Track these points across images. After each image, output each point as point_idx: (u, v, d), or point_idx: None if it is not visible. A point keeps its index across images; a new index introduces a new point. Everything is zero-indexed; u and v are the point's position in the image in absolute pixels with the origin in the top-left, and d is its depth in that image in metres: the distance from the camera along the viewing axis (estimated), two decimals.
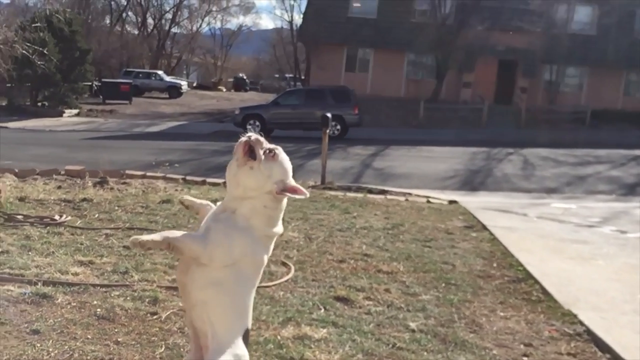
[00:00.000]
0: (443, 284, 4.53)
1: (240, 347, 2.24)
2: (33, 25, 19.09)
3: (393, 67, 31.10)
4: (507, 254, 5.61)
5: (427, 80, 30.98)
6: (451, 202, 8.86)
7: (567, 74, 31.38)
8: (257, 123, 21.00)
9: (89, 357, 2.90)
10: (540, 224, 7.55)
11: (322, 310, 3.75)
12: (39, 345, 2.97)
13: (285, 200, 2.31)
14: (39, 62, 14.50)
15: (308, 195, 2.32)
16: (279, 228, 2.39)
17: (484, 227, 6.85)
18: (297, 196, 2.30)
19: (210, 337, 2.23)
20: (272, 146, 2.26)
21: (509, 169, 14.03)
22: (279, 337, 3.24)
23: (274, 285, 4.18)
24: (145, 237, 2.21)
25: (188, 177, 9.40)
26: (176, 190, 8.31)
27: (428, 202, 8.76)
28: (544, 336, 3.66)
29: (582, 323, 3.86)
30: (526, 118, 25.34)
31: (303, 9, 39.36)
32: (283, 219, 6.11)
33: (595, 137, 21.21)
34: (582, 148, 18.03)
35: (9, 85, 25.85)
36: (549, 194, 10.73)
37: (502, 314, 3.99)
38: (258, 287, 4.08)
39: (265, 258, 2.38)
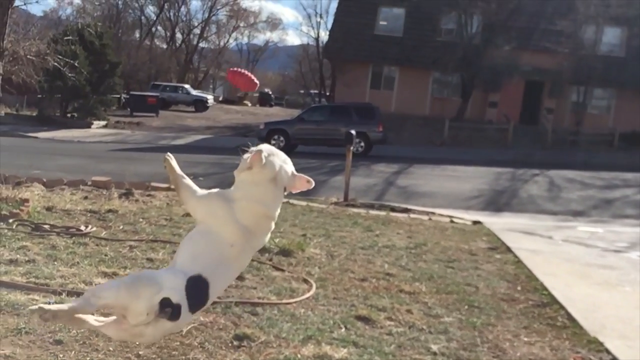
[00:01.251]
0: (466, 306, 4.46)
1: (162, 277, 2.23)
2: (65, 38, 19.54)
3: (418, 85, 31.10)
4: (531, 278, 5.52)
5: (452, 99, 30.91)
6: (475, 222, 8.76)
7: (595, 95, 31.02)
8: (282, 138, 21.11)
9: None
10: (566, 248, 7.42)
11: (343, 329, 3.73)
12: (61, 355, 2.99)
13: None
14: (69, 74, 14.76)
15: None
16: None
17: (508, 249, 6.76)
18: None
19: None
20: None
21: (535, 190, 13.86)
22: (299, 356, 3.22)
23: (295, 302, 4.17)
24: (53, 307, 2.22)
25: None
26: None
27: (452, 221, 8.68)
28: None
29: (608, 351, 3.77)
30: (552, 139, 25.07)
31: (329, 26, 39.61)
32: (305, 236, 6.14)
33: (623, 160, 20.85)
34: (610, 171, 17.74)
35: (40, 96, 26.44)
36: (575, 217, 10.56)
37: (526, 339, 3.91)
38: (279, 303, 4.09)
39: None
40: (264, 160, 2.34)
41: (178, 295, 2.16)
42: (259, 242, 2.52)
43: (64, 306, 2.24)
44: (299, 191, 2.57)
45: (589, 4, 28.94)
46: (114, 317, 2.34)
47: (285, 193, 2.49)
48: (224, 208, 2.38)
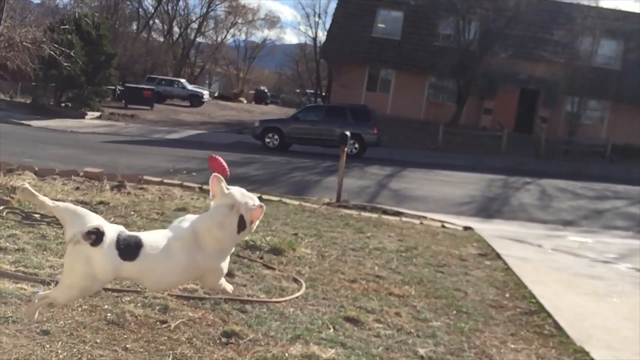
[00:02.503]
0: (454, 311, 4.48)
1: (98, 219, 2.65)
2: (62, 27, 19.37)
3: (414, 89, 31.17)
4: (520, 285, 5.54)
5: (447, 105, 31.00)
6: (466, 228, 8.80)
7: (589, 106, 31.21)
8: (276, 137, 21.10)
9: None
10: (555, 257, 7.46)
11: (332, 330, 3.73)
12: (48, 346, 2.97)
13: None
14: (65, 64, 14.69)
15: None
16: None
17: (498, 256, 6.78)
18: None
19: None
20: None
21: (526, 199, 13.92)
22: (287, 355, 3.22)
23: (284, 301, 4.16)
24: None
25: (205, 186, 9.43)
26: (192, 198, 8.35)
27: (443, 226, 8.71)
28: None
29: None
30: (545, 148, 25.20)
31: (328, 26, 39.62)
32: (296, 235, 6.13)
33: (614, 172, 21.00)
34: (601, 182, 17.85)
35: (34, 84, 26.28)
36: (565, 227, 10.61)
37: (512, 346, 3.93)
38: (268, 302, 4.08)
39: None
40: (225, 190, 2.62)
41: (107, 230, 2.46)
42: (203, 257, 2.61)
43: None
44: (258, 220, 2.76)
45: (586, 16, 29.12)
46: None
47: (253, 226, 2.70)
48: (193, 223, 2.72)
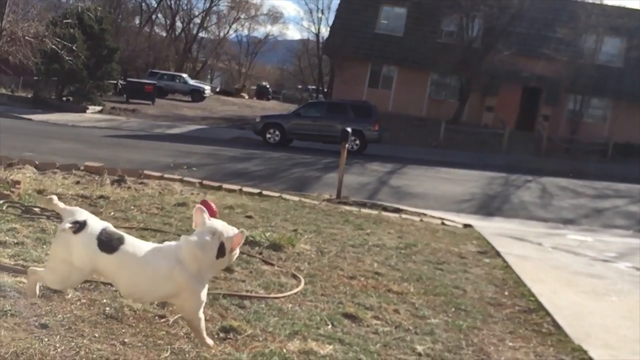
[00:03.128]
0: (453, 309, 4.48)
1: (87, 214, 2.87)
2: (64, 21, 19.37)
3: (416, 86, 31.12)
4: (519, 283, 5.54)
5: (449, 102, 30.96)
6: (466, 225, 8.79)
7: (592, 104, 31.17)
8: (277, 132, 21.09)
9: (94, 356, 2.91)
10: (555, 255, 7.45)
11: (330, 326, 3.73)
12: (46, 339, 2.98)
13: None
14: (67, 58, 14.70)
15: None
16: None
17: (498, 254, 6.78)
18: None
19: None
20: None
21: (527, 197, 13.91)
22: (284, 351, 3.22)
23: (283, 297, 4.17)
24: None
25: (205, 182, 9.45)
26: (192, 193, 8.36)
27: (443, 224, 8.71)
28: None
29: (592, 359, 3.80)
30: (547, 146, 25.17)
31: (330, 22, 39.56)
32: (296, 231, 6.17)
33: (616, 170, 20.97)
34: (602, 181, 17.83)
35: (36, 78, 26.27)
36: (565, 225, 10.60)
37: (511, 344, 3.93)
38: (267, 297, 4.10)
39: None
40: (207, 221, 2.73)
41: (91, 223, 2.63)
42: (180, 270, 2.68)
43: None
44: (238, 247, 2.82)
45: (590, 13, 29.03)
46: None
47: (233, 255, 2.80)
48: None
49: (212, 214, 2.89)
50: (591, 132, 29.32)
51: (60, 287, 2.72)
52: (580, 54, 28.88)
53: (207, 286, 2.81)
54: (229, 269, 4.65)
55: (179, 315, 3.46)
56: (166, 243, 2.97)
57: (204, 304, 2.84)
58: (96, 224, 2.70)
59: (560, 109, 30.49)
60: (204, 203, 2.96)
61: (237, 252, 2.85)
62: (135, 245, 2.73)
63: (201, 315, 2.77)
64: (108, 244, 2.63)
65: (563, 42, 29.06)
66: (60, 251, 2.66)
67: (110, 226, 2.75)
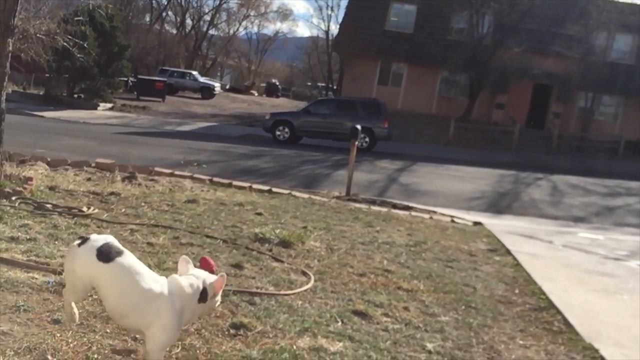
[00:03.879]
0: (463, 307, 4.47)
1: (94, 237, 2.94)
2: (75, 18, 19.46)
3: (426, 83, 31.01)
4: (530, 281, 5.52)
5: (459, 99, 30.81)
6: (476, 223, 8.77)
7: (603, 102, 30.91)
8: (287, 129, 21.09)
9: (106, 351, 2.93)
10: (566, 253, 7.42)
11: (340, 323, 3.74)
12: (59, 335, 3.01)
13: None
14: (78, 55, 14.73)
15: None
16: None
17: (508, 252, 6.76)
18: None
19: None
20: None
21: (537, 194, 13.83)
22: (294, 347, 3.23)
23: (293, 294, 4.18)
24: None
25: (215, 179, 9.47)
26: (202, 190, 8.39)
27: (452, 221, 8.68)
28: None
29: (603, 358, 3.79)
30: (558, 144, 25.01)
31: (340, 19, 39.48)
32: (305, 228, 6.18)
33: (627, 168, 20.80)
34: (613, 178, 17.69)
35: (47, 75, 26.40)
36: (576, 223, 10.54)
37: (521, 342, 3.92)
38: (277, 294, 4.11)
39: None
40: (190, 270, 2.83)
41: (94, 237, 2.78)
42: (163, 298, 2.72)
43: None
44: (220, 290, 2.87)
45: (602, 10, 28.78)
46: None
47: (215, 300, 2.86)
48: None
49: (211, 270, 2.99)
50: (602, 129, 29.10)
51: (73, 298, 2.85)
52: (591, 51, 28.65)
53: (178, 334, 2.82)
54: (239, 266, 4.68)
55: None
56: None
57: (167, 347, 2.82)
58: (99, 238, 2.80)
59: (571, 107, 30.28)
60: (204, 260, 2.99)
61: (219, 298, 2.89)
62: (132, 261, 2.78)
63: (161, 358, 2.75)
64: (106, 254, 2.72)
65: (574, 39, 28.83)
66: (67, 262, 2.82)
67: (113, 240, 2.82)
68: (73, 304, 2.87)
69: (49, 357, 2.79)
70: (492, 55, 27.99)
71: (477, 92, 29.44)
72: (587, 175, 17.78)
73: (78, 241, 2.79)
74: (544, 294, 5.08)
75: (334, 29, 49.87)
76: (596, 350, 3.88)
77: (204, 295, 2.75)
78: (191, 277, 2.78)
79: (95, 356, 2.86)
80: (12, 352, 2.77)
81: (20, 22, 10.03)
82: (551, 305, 4.77)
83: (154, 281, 2.73)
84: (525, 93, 30.18)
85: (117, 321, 2.85)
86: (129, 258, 2.77)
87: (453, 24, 31.23)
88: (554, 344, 3.97)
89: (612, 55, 29.82)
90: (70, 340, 2.98)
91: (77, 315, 2.88)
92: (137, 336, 3.14)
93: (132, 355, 2.95)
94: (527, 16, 28.52)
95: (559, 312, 4.61)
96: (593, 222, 10.86)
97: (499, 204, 12.09)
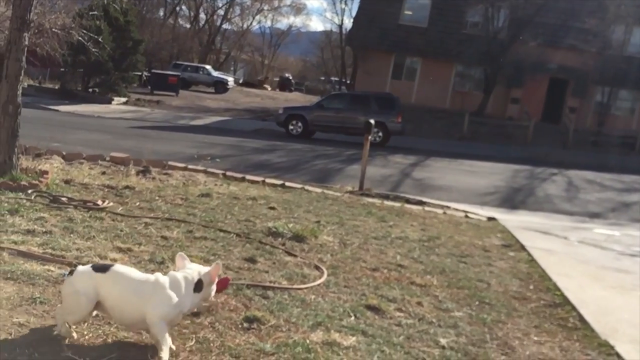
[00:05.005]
0: (477, 302, 4.45)
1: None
2: (90, 13, 19.56)
3: (440, 78, 30.83)
4: (544, 277, 5.48)
5: (474, 93, 30.61)
6: (490, 218, 8.71)
7: (620, 96, 30.55)
8: (300, 124, 21.08)
9: (121, 344, 2.95)
10: (581, 249, 7.35)
11: (353, 317, 3.74)
12: (74, 327, 3.03)
13: None
14: (93, 50, 14.83)
15: None
16: None
17: (523, 248, 6.71)
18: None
19: None
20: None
21: (552, 190, 13.72)
22: (308, 341, 3.23)
23: (306, 288, 4.18)
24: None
25: (228, 173, 9.50)
26: (216, 184, 8.41)
27: (466, 216, 8.64)
28: None
29: (619, 355, 3.75)
30: (574, 139, 24.76)
31: (354, 13, 39.31)
32: (318, 222, 6.20)
33: None
34: (630, 174, 17.50)
35: (62, 70, 26.59)
36: (592, 219, 10.44)
37: (536, 338, 3.89)
38: (290, 288, 4.11)
39: None
40: (187, 265, 3.08)
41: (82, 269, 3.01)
42: (162, 296, 2.92)
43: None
44: (216, 278, 3.08)
45: (619, 4, 28.41)
46: None
47: (211, 289, 3.07)
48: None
49: (224, 286, 3.32)
50: (619, 124, 28.76)
51: (78, 318, 2.97)
52: (608, 45, 28.30)
53: (177, 316, 2.98)
54: (252, 260, 4.69)
55: (204, 305, 3.45)
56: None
57: (167, 323, 2.91)
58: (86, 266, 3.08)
59: (588, 101, 29.96)
60: (220, 282, 3.24)
61: (214, 287, 3.09)
62: (125, 268, 3.08)
63: (167, 339, 2.88)
64: (101, 267, 3.05)
65: (591, 33, 28.49)
66: (67, 288, 2.97)
67: (111, 265, 3.14)
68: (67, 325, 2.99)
69: (65, 348, 2.82)
70: (507, 49, 27.75)
71: (491, 86, 29.23)
72: (603, 171, 17.60)
73: (67, 272, 3.09)
74: (559, 290, 5.04)
75: (348, 23, 49.85)
76: (612, 347, 3.84)
77: (199, 285, 2.98)
78: (187, 270, 3.02)
79: (111, 348, 2.88)
80: (29, 344, 2.80)
81: (36, 17, 10.12)
82: (566, 302, 4.73)
83: (151, 275, 3.01)
84: (540, 87, 29.92)
85: (129, 327, 3.00)
86: (122, 266, 3.11)
87: (468, 17, 31.00)
88: (568, 340, 3.94)
89: (629, 49, 29.45)
90: (85, 333, 3.01)
91: (73, 332, 2.99)
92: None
93: (145, 347, 2.96)
94: (543, 9, 28.21)
95: (574, 308, 4.57)
96: (609, 218, 10.76)
97: (514, 200, 12.01)
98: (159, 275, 3.00)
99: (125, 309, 2.88)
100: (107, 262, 3.22)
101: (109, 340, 2.99)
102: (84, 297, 2.88)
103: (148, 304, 2.84)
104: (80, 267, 3.03)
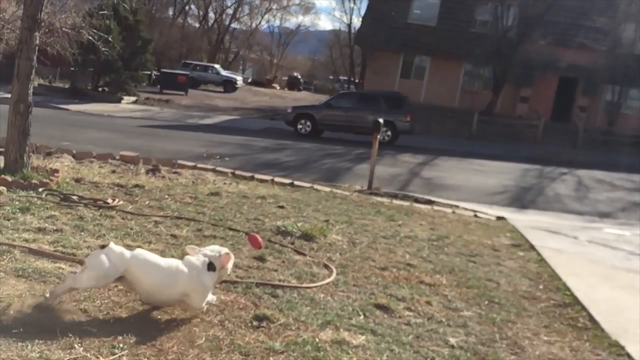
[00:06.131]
0: (486, 302, 4.44)
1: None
2: (100, 12, 19.62)
3: (449, 77, 30.72)
4: (554, 277, 5.46)
5: (482, 92, 30.48)
6: (499, 218, 8.68)
7: (630, 95, 30.31)
8: (308, 123, 21.07)
9: (131, 341, 2.97)
10: (591, 249, 7.31)
11: (362, 316, 3.74)
12: (85, 324, 3.06)
13: None
14: (103, 49, 14.86)
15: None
16: None
17: (532, 247, 6.69)
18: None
19: None
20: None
21: (562, 189, 13.65)
22: (317, 340, 3.24)
23: (315, 287, 4.19)
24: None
25: (237, 172, 9.52)
26: (225, 183, 8.43)
27: (475, 216, 8.61)
28: None
29: (629, 356, 3.73)
30: (583, 138, 24.60)
31: (362, 12, 39.23)
32: (327, 221, 6.24)
33: None
34: None
35: (73, 69, 26.73)
36: (602, 219, 10.38)
37: (545, 338, 3.88)
38: (299, 287, 4.12)
39: None
40: (197, 250, 3.50)
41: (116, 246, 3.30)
42: (186, 275, 3.35)
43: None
44: (228, 263, 3.48)
45: (630, 2, 28.20)
46: None
47: (224, 271, 3.47)
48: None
49: (258, 246, 4.02)
50: (629, 123, 28.51)
51: (96, 284, 3.26)
52: (618, 43, 28.07)
53: (210, 292, 3.41)
54: (261, 259, 4.70)
55: (213, 303, 3.50)
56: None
57: (205, 301, 3.38)
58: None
59: (598, 100, 29.75)
60: (252, 237, 4.02)
61: (228, 268, 3.49)
62: (148, 252, 3.43)
63: (204, 305, 3.39)
64: (132, 251, 3.33)
65: (601, 31, 28.28)
66: (95, 258, 3.23)
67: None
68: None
69: (76, 346, 2.84)
70: (517, 48, 27.60)
71: (501, 85, 29.09)
72: (614, 170, 17.48)
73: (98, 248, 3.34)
74: (569, 289, 5.02)
75: (357, 22, 49.77)
76: (622, 347, 3.83)
77: (212, 266, 3.34)
78: (199, 255, 3.41)
79: (121, 345, 2.90)
80: (40, 341, 2.82)
81: (47, 16, 10.15)
82: (576, 302, 4.71)
83: (173, 260, 3.41)
84: (550, 86, 29.75)
85: (150, 302, 3.35)
86: (144, 251, 3.42)
87: (477, 16, 30.86)
88: (578, 340, 3.93)
89: (639, 48, 29.21)
90: (96, 330, 3.03)
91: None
92: (161, 326, 3.18)
93: (156, 344, 2.98)
94: (553, 8, 28.00)
95: (584, 308, 4.55)
96: (619, 218, 10.69)
97: (523, 199, 11.96)
98: (179, 265, 3.33)
99: (151, 292, 3.26)
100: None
101: (119, 337, 3.00)
102: (112, 268, 3.17)
103: (181, 293, 3.26)
104: (113, 244, 3.28)
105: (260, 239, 3.98)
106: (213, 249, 3.49)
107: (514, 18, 28.96)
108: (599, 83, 28.74)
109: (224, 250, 3.48)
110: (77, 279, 3.19)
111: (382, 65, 30.52)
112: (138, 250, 3.37)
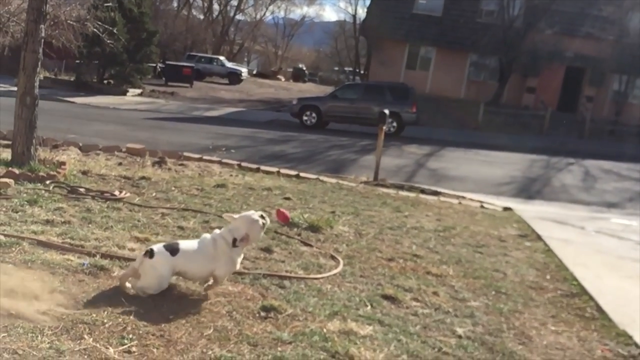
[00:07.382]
0: (493, 292, 4.44)
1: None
2: (105, 4, 19.61)
3: (455, 67, 30.58)
4: (561, 267, 5.45)
5: (489, 83, 30.35)
6: (506, 209, 8.67)
7: (637, 85, 30.09)
8: (314, 115, 21.04)
9: (140, 332, 2.99)
10: (598, 239, 7.29)
11: (369, 307, 3.75)
12: (94, 315, 3.08)
13: None
14: (108, 41, 14.87)
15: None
16: None
17: (539, 238, 6.67)
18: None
19: None
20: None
21: (569, 180, 13.60)
22: (324, 330, 3.25)
23: (322, 277, 4.20)
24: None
25: (243, 164, 9.53)
26: (231, 175, 8.45)
27: (482, 207, 8.60)
28: (596, 355, 3.54)
29: (637, 345, 3.72)
30: (590, 128, 24.48)
31: (367, 2, 39.08)
32: (334, 213, 6.29)
33: None
34: None
35: (78, 62, 26.75)
36: (609, 209, 10.35)
37: (553, 328, 3.88)
38: (306, 278, 4.13)
39: None
40: (234, 216, 3.82)
41: (156, 249, 3.55)
42: (217, 254, 3.69)
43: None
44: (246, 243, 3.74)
45: None
46: None
47: (244, 243, 3.71)
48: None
49: (285, 220, 4.73)
50: (637, 113, 28.35)
51: (158, 291, 3.51)
52: (625, 33, 27.84)
53: (238, 262, 3.72)
54: (268, 250, 4.71)
55: (221, 294, 3.52)
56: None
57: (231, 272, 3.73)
58: (157, 245, 3.66)
59: (605, 90, 29.57)
60: (280, 212, 4.75)
61: (246, 242, 3.72)
62: (188, 243, 3.75)
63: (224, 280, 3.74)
64: (172, 249, 3.59)
65: (608, 21, 28.06)
66: (147, 271, 3.49)
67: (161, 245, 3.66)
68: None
69: (86, 336, 2.86)
70: (523, 38, 27.43)
71: (507, 75, 28.94)
72: (621, 160, 17.40)
73: (142, 254, 3.57)
74: (576, 280, 5.02)
75: (362, 13, 49.44)
76: (630, 337, 3.82)
77: (234, 241, 3.63)
78: (224, 230, 3.73)
79: (130, 336, 2.91)
80: (50, 332, 2.84)
81: (52, 9, 10.18)
82: (583, 292, 4.71)
83: (206, 237, 3.73)
84: (556, 76, 29.58)
85: (195, 280, 3.70)
86: (185, 243, 3.72)
87: (483, 6, 30.65)
88: (586, 330, 3.93)
89: None
90: (105, 321, 3.05)
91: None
92: (170, 316, 3.19)
93: (165, 335, 3.00)
94: None
95: (591, 298, 4.54)
96: (627, 208, 10.66)
97: (530, 190, 11.93)
98: (209, 241, 3.67)
99: (197, 274, 3.63)
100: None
101: (129, 328, 3.02)
102: (165, 275, 3.50)
103: (216, 266, 3.60)
104: (157, 250, 3.52)
105: (287, 214, 4.42)
106: (246, 217, 3.74)
107: (520, 7, 28.76)
108: (606, 73, 28.56)
109: (256, 214, 3.74)
110: (141, 289, 3.46)
111: (387, 56, 30.40)
112: (180, 245, 3.63)
